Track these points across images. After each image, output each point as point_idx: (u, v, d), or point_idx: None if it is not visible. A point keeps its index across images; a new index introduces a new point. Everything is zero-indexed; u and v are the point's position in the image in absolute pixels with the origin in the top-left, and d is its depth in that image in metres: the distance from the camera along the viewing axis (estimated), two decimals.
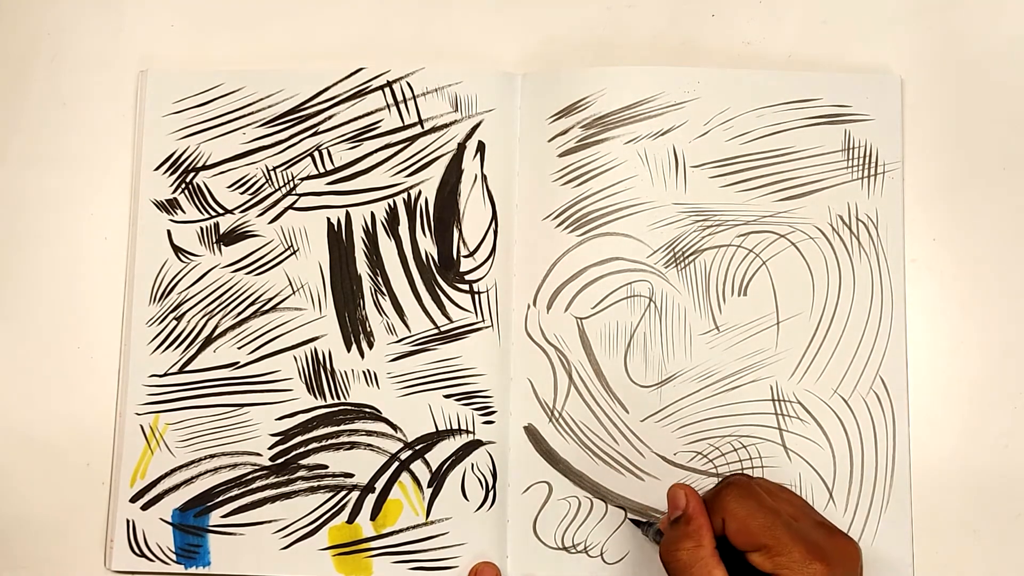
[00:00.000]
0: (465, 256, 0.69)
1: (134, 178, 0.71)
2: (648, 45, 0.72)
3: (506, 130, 0.70)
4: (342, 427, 0.68)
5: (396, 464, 0.67)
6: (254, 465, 0.68)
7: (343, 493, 0.67)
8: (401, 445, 0.68)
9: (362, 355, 0.69)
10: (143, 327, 0.70)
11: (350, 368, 0.68)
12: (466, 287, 0.69)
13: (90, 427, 0.70)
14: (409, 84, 0.70)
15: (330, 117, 0.71)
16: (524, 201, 0.69)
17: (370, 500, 0.67)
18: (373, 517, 0.67)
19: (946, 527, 0.66)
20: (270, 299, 0.69)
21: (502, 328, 0.68)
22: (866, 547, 0.65)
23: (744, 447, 0.67)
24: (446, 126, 0.70)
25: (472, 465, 0.67)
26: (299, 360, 0.69)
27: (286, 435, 0.68)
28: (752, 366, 0.67)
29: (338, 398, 0.68)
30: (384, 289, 0.69)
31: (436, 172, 0.70)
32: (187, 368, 0.69)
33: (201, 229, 0.70)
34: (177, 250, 0.70)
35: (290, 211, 0.70)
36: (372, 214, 0.70)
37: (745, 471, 0.66)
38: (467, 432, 0.67)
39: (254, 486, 0.68)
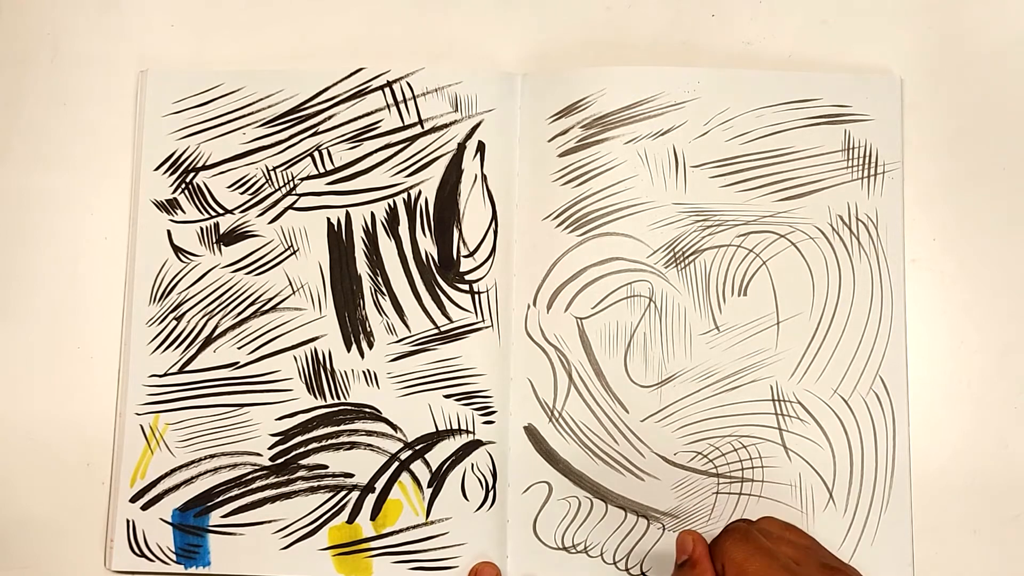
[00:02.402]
0: (465, 256, 0.69)
1: (134, 178, 0.71)
2: (648, 45, 0.72)
3: (506, 130, 0.70)
4: (342, 427, 0.68)
5: (396, 464, 0.67)
6: (254, 465, 0.68)
7: (343, 493, 0.67)
8: (401, 445, 0.68)
9: (362, 355, 0.69)
10: (143, 327, 0.70)
11: (350, 368, 0.68)
12: (466, 287, 0.69)
13: (90, 427, 0.69)
14: (409, 84, 0.70)
15: (330, 117, 0.71)
16: (524, 201, 0.69)
17: (370, 500, 0.67)
18: (373, 517, 0.67)
19: (946, 527, 0.66)
20: (270, 299, 0.69)
21: (502, 328, 0.68)
22: (866, 547, 0.65)
23: (744, 447, 0.67)
24: (446, 126, 0.70)
25: (472, 465, 0.67)
26: (299, 360, 0.69)
27: (286, 435, 0.68)
28: (752, 366, 0.67)
29: (338, 398, 0.68)
30: (384, 289, 0.69)
31: (436, 172, 0.70)
32: (187, 368, 0.69)
33: (201, 229, 0.70)
34: (177, 250, 0.70)
35: (290, 211, 0.70)
36: (372, 214, 0.70)
37: (745, 471, 0.66)
38: (467, 432, 0.67)
39: (254, 486, 0.68)
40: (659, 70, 0.69)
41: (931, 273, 0.68)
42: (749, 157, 0.69)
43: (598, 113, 0.69)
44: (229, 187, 0.70)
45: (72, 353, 0.70)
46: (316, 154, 0.70)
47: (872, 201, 0.68)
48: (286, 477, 0.68)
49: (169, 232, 0.70)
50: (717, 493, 0.66)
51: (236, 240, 0.70)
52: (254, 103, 0.71)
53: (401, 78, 0.70)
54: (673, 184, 0.69)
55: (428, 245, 0.69)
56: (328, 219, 0.70)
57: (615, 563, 0.66)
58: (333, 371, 0.69)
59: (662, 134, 0.69)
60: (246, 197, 0.70)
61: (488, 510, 0.67)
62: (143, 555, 0.68)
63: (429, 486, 0.67)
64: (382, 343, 0.69)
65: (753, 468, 0.66)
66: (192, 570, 0.67)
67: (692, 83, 0.69)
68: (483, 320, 0.68)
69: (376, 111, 0.70)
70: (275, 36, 0.73)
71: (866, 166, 0.68)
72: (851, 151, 0.69)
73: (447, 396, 0.68)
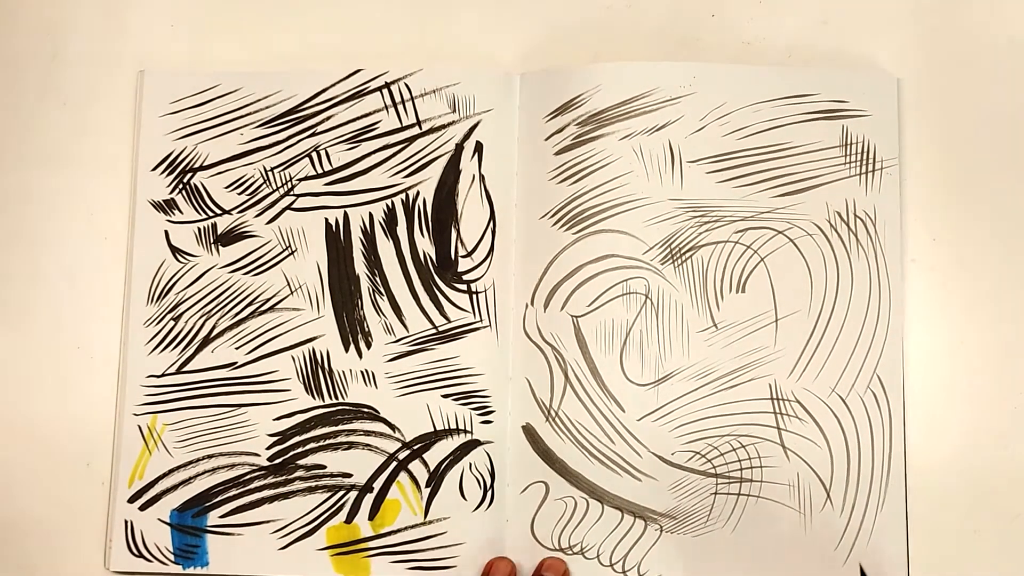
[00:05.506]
0: (463, 256, 0.69)
1: (133, 178, 0.71)
2: (647, 45, 0.72)
3: (504, 130, 0.70)
4: (340, 427, 0.68)
5: (394, 464, 0.67)
6: (252, 465, 0.68)
7: (341, 493, 0.67)
8: (399, 445, 0.67)
9: (360, 355, 0.68)
10: (141, 327, 0.70)
11: (348, 368, 0.68)
12: (464, 287, 0.68)
13: (90, 427, 0.70)
14: (407, 85, 0.70)
15: (328, 118, 0.71)
16: (521, 200, 0.69)
17: (368, 500, 0.67)
18: (371, 517, 0.67)
19: (945, 527, 0.65)
20: (268, 299, 0.69)
21: (500, 328, 0.68)
22: (862, 547, 0.64)
23: (743, 447, 0.66)
24: (444, 127, 0.70)
25: (470, 465, 0.67)
26: (297, 360, 0.69)
27: (284, 435, 0.68)
28: (750, 364, 0.66)
29: (336, 398, 0.68)
30: (382, 289, 0.69)
31: (434, 172, 0.70)
32: (185, 368, 0.69)
33: (199, 229, 0.70)
34: (175, 250, 0.70)
35: (288, 211, 0.70)
36: (370, 214, 0.70)
37: (744, 471, 0.66)
38: (465, 432, 0.67)
39: (252, 486, 0.68)
40: (654, 65, 0.69)
41: (931, 273, 0.68)
42: (746, 152, 0.68)
43: (593, 110, 0.68)
44: (227, 187, 0.71)
45: (72, 353, 0.71)
46: (314, 155, 0.70)
47: (870, 197, 0.68)
48: (284, 477, 0.68)
49: (167, 232, 0.70)
50: (715, 494, 0.66)
51: (234, 240, 0.70)
52: (252, 104, 0.71)
53: (399, 79, 0.71)
54: (669, 180, 0.68)
55: (426, 245, 0.69)
56: (326, 219, 0.70)
57: (611, 565, 0.65)
58: (331, 371, 0.68)
59: (657, 130, 0.68)
60: (244, 197, 0.70)
61: (486, 510, 0.66)
62: (141, 555, 0.68)
63: (427, 486, 0.67)
64: (380, 343, 0.68)
65: (752, 468, 0.66)
66: (190, 570, 0.67)
67: (688, 78, 0.69)
68: (481, 320, 0.68)
69: (374, 112, 0.71)
70: (274, 37, 0.73)
71: (864, 162, 0.68)
72: (849, 147, 0.68)
73: (445, 396, 0.68)
